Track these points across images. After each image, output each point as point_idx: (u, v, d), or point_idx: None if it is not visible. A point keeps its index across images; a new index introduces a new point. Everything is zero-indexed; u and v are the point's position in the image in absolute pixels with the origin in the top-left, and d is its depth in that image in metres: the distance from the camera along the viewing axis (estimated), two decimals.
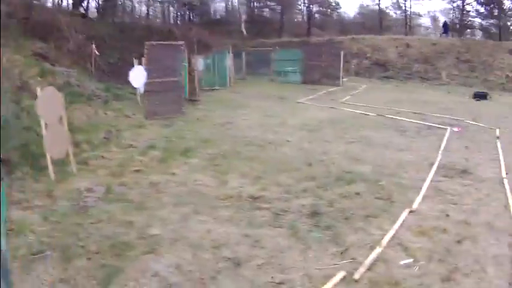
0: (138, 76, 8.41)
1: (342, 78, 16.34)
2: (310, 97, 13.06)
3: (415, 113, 10.13)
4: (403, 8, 30.29)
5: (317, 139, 7.45)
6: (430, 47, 19.97)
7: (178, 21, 34.04)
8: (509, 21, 26.00)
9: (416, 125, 8.80)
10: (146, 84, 8.85)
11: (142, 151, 6.63)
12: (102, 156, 6.44)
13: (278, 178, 5.18)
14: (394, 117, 9.55)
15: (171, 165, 5.85)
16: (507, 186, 4.81)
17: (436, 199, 4.46)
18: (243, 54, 21.46)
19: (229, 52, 17.82)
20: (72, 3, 21.15)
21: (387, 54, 20.31)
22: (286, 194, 4.64)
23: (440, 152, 6.47)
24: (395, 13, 35.46)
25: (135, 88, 9.41)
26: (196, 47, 25.03)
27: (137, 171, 5.67)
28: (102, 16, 24.04)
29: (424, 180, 5.03)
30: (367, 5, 33.46)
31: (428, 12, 31.92)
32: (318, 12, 43.15)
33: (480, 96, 13.40)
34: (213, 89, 16.11)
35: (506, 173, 5.34)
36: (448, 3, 28.17)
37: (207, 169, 5.65)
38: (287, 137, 7.60)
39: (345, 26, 35.70)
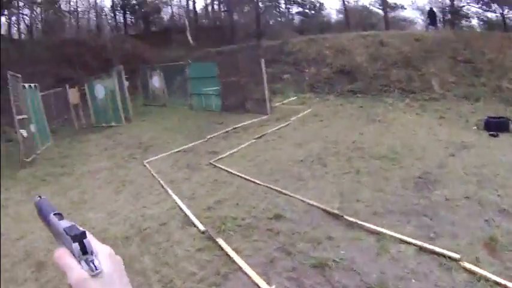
0: None
1: (270, 101, 10.26)
2: (184, 147, 7.14)
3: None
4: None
5: None
6: (413, 44, 13.95)
7: (120, 32, 29.10)
8: None
9: None
10: None
11: None
12: None
13: None
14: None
15: None
16: None
17: None
18: (158, 72, 15.50)
19: (118, 72, 12.08)
20: None
21: (354, 57, 14.29)
22: None
23: None
24: (384, 11, 30.02)
25: None
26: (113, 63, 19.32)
27: None
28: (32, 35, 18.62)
29: None
30: (348, 2, 27.63)
31: (413, 2, 26.20)
32: (298, 13, 37.71)
33: (497, 126, 7.39)
34: (110, 126, 11.55)
35: None
36: None
37: None
38: None
39: (326, 29, 30.31)
